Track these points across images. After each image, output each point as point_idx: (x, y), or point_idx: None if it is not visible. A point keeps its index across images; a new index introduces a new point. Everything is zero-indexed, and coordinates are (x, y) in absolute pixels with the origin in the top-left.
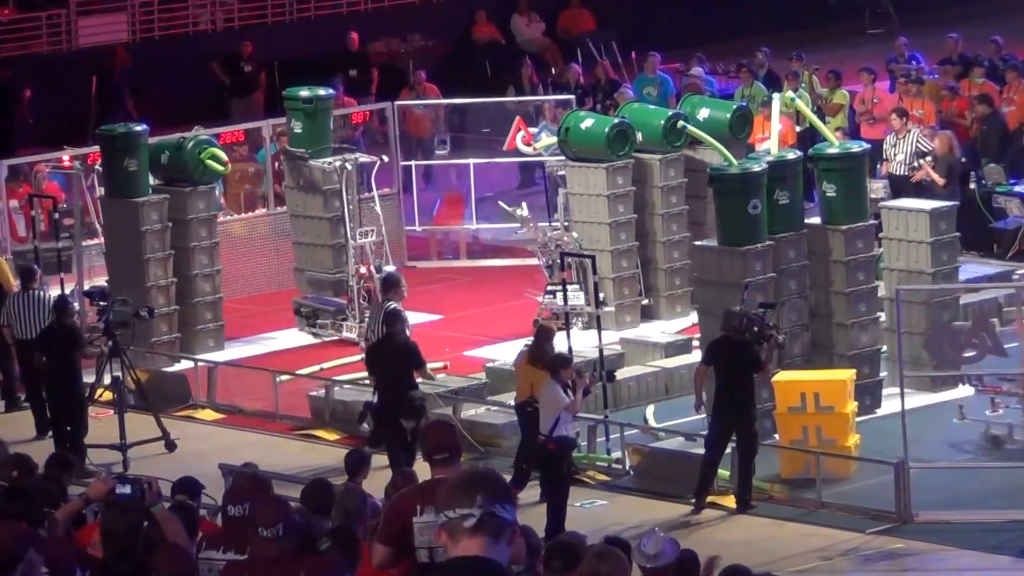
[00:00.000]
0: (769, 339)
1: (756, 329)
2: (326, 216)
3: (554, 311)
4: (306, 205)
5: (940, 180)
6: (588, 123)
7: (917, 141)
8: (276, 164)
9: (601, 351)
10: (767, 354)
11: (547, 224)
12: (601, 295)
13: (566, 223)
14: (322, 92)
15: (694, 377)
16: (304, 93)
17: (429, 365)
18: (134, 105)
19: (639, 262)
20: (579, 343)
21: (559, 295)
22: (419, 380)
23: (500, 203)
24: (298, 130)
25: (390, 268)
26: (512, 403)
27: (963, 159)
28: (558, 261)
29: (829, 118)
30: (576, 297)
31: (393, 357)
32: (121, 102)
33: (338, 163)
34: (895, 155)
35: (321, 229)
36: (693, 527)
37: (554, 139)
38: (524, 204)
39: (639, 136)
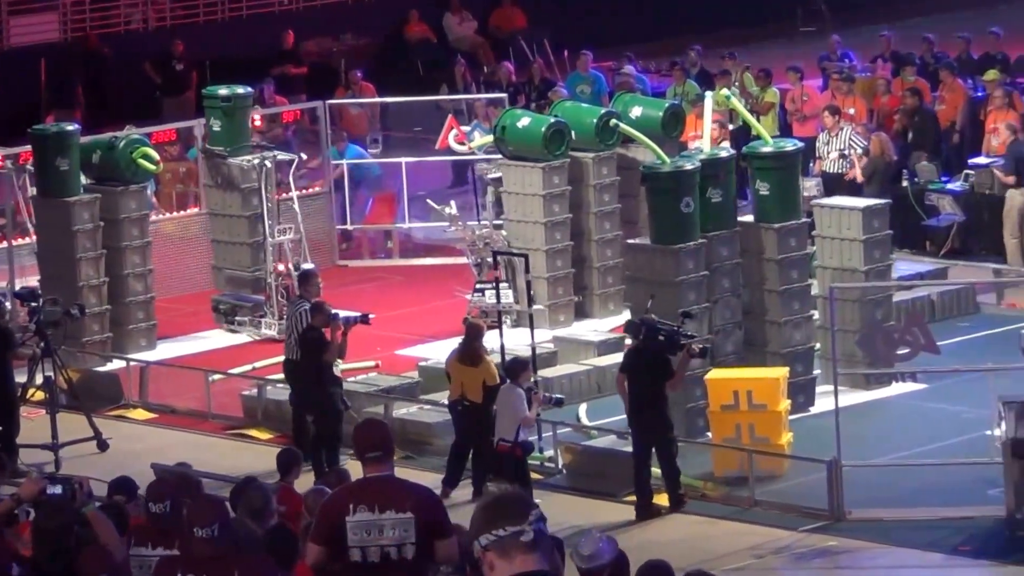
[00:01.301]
0: (682, 348)
1: (662, 338)
2: (244, 215)
3: (483, 309)
4: (225, 203)
5: (860, 177)
6: (525, 122)
7: (850, 139)
8: None
9: (534, 349)
10: (679, 364)
11: (476, 222)
12: (531, 293)
13: (495, 222)
14: (240, 90)
15: (616, 384)
16: (223, 91)
17: (360, 363)
18: (83, 99)
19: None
20: (511, 342)
21: (488, 293)
22: (356, 378)
23: (428, 201)
24: (217, 128)
25: (308, 266)
26: (445, 402)
27: (895, 158)
28: (488, 260)
29: (761, 116)
30: (504, 296)
31: (305, 351)
32: (74, 94)
33: (256, 161)
34: (828, 153)
35: (239, 227)
36: (626, 526)
37: (489, 138)
38: (452, 203)
39: (572, 135)
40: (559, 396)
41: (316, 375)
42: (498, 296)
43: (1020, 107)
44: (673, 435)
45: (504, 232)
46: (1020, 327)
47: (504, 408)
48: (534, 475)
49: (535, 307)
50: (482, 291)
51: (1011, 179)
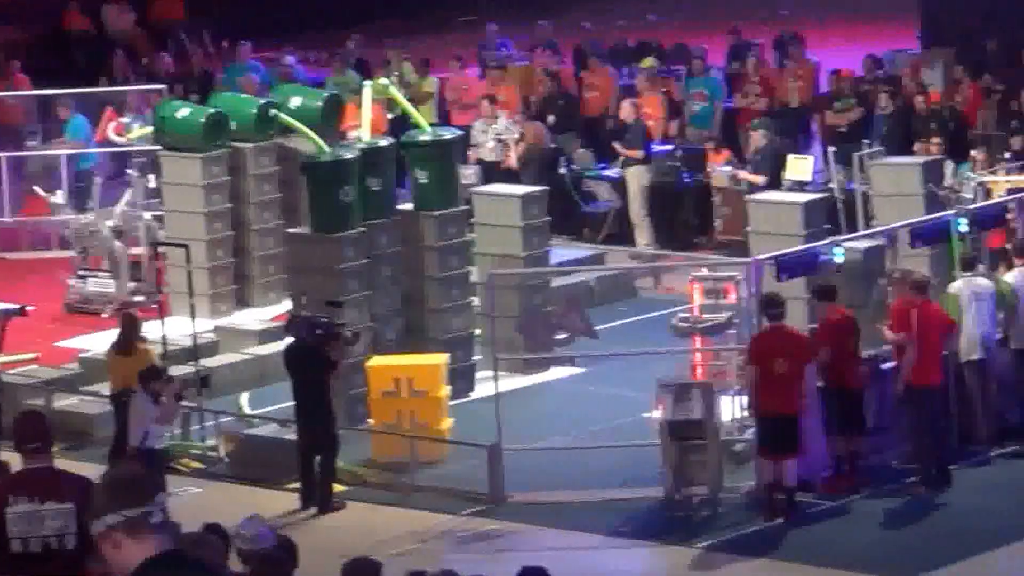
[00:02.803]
0: (337, 338)
1: (320, 331)
2: None
3: (83, 295)
4: None
5: (515, 164)
6: (183, 112)
7: (505, 126)
8: None
9: (195, 338)
10: (336, 352)
11: (92, 213)
12: (133, 284)
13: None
14: None
15: None
16: None
17: (19, 356)
18: None
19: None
20: (173, 332)
21: (90, 281)
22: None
23: (35, 188)
24: None
25: None
26: (107, 393)
27: (552, 145)
28: (91, 248)
29: (419, 106)
30: (105, 284)
31: None
32: None
33: None
34: (485, 141)
35: None
36: (290, 513)
37: (148, 129)
38: (59, 192)
39: (232, 124)
40: (203, 376)
41: None
42: (159, 288)
43: (674, 93)
44: (336, 431)
45: (110, 222)
46: (676, 311)
47: (130, 416)
48: (195, 464)
49: (137, 299)
50: (84, 278)
51: (635, 153)
